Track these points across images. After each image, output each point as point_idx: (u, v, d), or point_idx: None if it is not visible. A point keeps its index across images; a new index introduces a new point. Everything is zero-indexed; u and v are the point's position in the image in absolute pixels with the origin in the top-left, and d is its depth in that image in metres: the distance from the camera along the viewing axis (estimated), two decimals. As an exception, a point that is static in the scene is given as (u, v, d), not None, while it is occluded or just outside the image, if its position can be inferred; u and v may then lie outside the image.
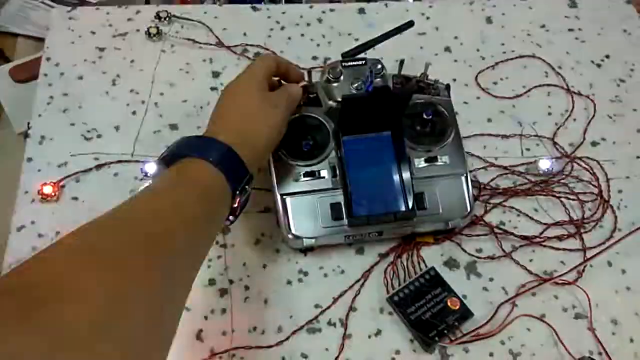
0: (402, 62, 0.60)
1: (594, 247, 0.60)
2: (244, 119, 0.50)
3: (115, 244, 0.35)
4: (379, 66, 0.59)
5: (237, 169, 0.46)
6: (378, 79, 0.59)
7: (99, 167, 0.62)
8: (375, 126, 0.57)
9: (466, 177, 0.57)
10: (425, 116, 0.58)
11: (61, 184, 0.60)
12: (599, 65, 0.74)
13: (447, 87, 0.62)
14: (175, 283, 0.38)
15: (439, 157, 0.57)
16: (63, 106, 0.66)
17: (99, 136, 0.64)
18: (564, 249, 0.59)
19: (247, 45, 0.72)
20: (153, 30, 0.71)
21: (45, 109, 0.66)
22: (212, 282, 0.56)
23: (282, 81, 0.59)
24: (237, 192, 0.46)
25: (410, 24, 0.65)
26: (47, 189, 0.59)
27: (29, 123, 0.65)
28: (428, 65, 0.61)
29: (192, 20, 0.73)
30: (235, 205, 0.46)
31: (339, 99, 0.57)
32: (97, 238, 0.36)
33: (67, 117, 0.65)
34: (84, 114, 0.66)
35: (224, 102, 0.51)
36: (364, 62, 0.60)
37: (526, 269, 0.58)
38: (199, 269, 0.42)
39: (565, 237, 0.60)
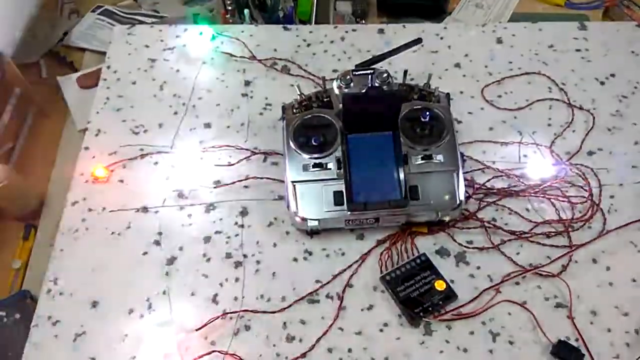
0: (405, 72, 0.68)
1: (581, 245, 0.64)
2: None
3: None
4: (385, 75, 0.67)
5: None
6: (384, 86, 0.67)
7: (142, 156, 0.72)
8: (377, 126, 0.64)
9: (458, 174, 0.63)
10: (422, 119, 0.65)
11: (110, 168, 0.71)
12: (602, 83, 0.79)
13: (447, 95, 0.69)
14: None
15: (434, 155, 0.64)
16: (117, 106, 0.77)
17: (145, 131, 0.75)
18: (551, 245, 0.64)
19: (276, 59, 0.82)
20: (196, 46, 0.83)
21: (103, 108, 0.77)
22: (229, 255, 0.64)
23: None
24: None
25: (418, 40, 0.73)
26: (99, 172, 0.70)
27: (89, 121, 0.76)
28: (430, 75, 0.69)
29: (231, 37, 0.84)
30: None
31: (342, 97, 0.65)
32: None
33: (120, 115, 0.77)
34: (134, 112, 0.77)
35: None
36: (372, 71, 0.68)
37: (512, 260, 0.63)
38: None
39: (553, 234, 0.65)
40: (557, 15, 0.96)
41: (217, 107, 0.77)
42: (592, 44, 0.83)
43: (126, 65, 0.82)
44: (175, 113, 0.77)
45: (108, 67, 0.82)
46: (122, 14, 1.00)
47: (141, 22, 0.95)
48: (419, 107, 0.66)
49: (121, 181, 0.71)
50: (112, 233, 0.66)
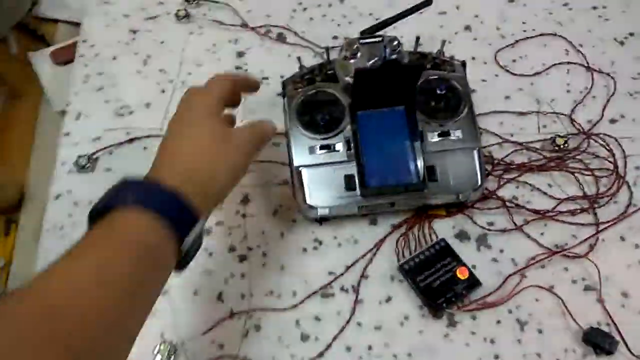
0: (418, 39, 0.62)
1: (607, 222, 0.60)
2: (195, 156, 0.42)
3: (11, 340, 0.30)
4: (395, 43, 0.61)
5: (182, 215, 0.39)
6: (394, 56, 0.61)
7: (130, 141, 0.66)
8: (389, 101, 0.59)
9: (478, 151, 0.58)
10: (438, 91, 0.59)
11: (95, 156, 0.65)
12: (622, 43, 0.74)
13: (463, 63, 0.63)
14: None
15: (452, 131, 0.59)
16: (98, 85, 0.70)
17: (130, 112, 0.68)
18: (577, 224, 0.60)
19: (270, 26, 0.75)
20: (182, 13, 0.75)
21: (82, 88, 0.70)
22: (232, 248, 0.59)
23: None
24: (185, 239, 0.39)
25: (428, 2, 0.67)
26: (83, 161, 0.64)
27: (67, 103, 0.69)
28: (444, 42, 0.63)
29: (219, 3, 0.76)
30: (185, 251, 0.40)
31: (353, 73, 0.59)
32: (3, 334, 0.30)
33: (101, 94, 0.70)
34: (117, 92, 0.70)
35: (171, 134, 0.44)
36: (380, 39, 0.62)
37: (537, 242, 0.59)
38: (137, 334, 0.37)
39: (578, 211, 0.61)
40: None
41: (208, 82, 0.71)
42: (609, 1, 0.77)
43: (104, 38, 0.74)
44: (163, 91, 0.70)
45: (84, 41, 0.74)
46: (95, -21, 0.91)
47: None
48: (435, 77, 0.61)
49: (109, 170, 0.65)
50: (103, 228, 0.61)
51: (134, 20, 0.76)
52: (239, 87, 0.50)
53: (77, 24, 0.84)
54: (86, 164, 0.64)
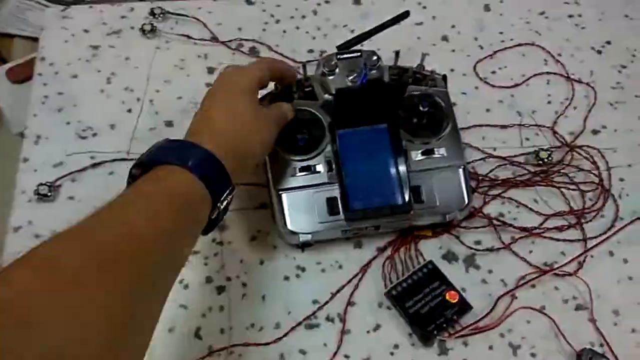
0: (397, 53, 0.60)
1: (595, 237, 0.59)
2: (236, 128, 0.45)
3: (83, 261, 0.33)
4: (375, 58, 0.58)
5: (221, 179, 0.42)
6: (374, 71, 0.58)
7: (95, 165, 0.62)
8: (371, 119, 0.56)
9: (464, 170, 0.56)
10: (421, 108, 0.57)
11: (57, 183, 0.60)
12: (599, 52, 0.73)
13: (444, 77, 0.61)
14: (145, 303, 0.35)
15: (436, 149, 0.57)
16: (58, 105, 0.66)
17: (94, 135, 0.64)
18: (565, 240, 0.59)
19: (242, 40, 0.71)
20: (147, 27, 0.71)
21: (41, 109, 0.65)
22: (209, 279, 0.56)
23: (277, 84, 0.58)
24: (217, 204, 0.42)
25: (405, 14, 0.65)
26: (43, 189, 0.59)
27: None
28: (424, 55, 0.60)
29: (186, 16, 0.73)
30: (214, 217, 0.43)
31: (335, 92, 0.56)
32: (64, 254, 0.33)
33: (62, 116, 0.65)
34: (79, 112, 0.65)
35: (214, 103, 0.47)
36: (359, 54, 0.59)
37: (526, 260, 0.57)
38: (174, 282, 0.39)
39: (565, 227, 0.59)
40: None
41: (178, 100, 0.67)
42: (584, 8, 0.77)
43: (64, 56, 0.69)
44: (129, 111, 0.66)
45: (43, 59, 0.69)
46: (53, -9, 0.86)
47: (76, 0, 0.81)
48: (416, 93, 0.58)
49: (71, 198, 0.60)
50: (68, 262, 0.56)
51: (96, 36, 0.71)
52: (276, 75, 0.53)
53: (35, 39, 0.79)
54: (47, 193, 0.59)
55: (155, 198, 0.39)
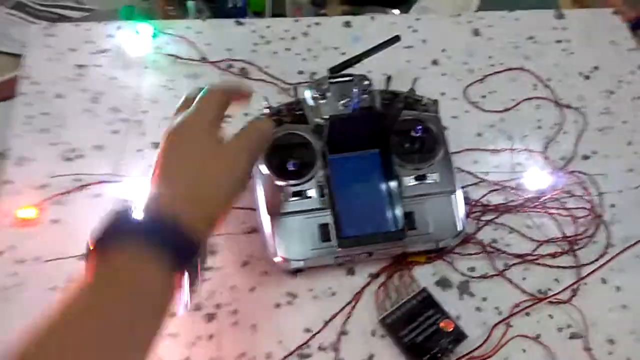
0: (389, 78, 0.60)
1: (588, 264, 0.59)
2: (195, 175, 0.41)
3: None
4: (366, 82, 0.58)
5: (183, 247, 0.38)
6: (365, 96, 0.58)
7: (80, 188, 0.60)
8: (363, 144, 0.55)
9: (456, 196, 0.56)
10: (413, 133, 0.57)
11: (41, 206, 0.58)
12: (587, 77, 0.74)
13: (435, 102, 0.61)
14: None
15: (428, 175, 0.56)
16: (42, 126, 0.64)
17: (80, 156, 0.62)
18: (558, 267, 0.58)
19: (231, 60, 0.71)
20: (134, 47, 0.70)
21: (24, 129, 0.64)
22: (198, 307, 0.54)
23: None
24: (187, 272, 0.39)
25: (396, 38, 0.65)
26: (27, 213, 0.57)
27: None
28: (415, 80, 0.60)
29: (175, 36, 0.72)
30: (184, 287, 0.39)
31: (326, 117, 0.56)
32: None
33: (46, 137, 0.63)
34: (64, 133, 0.64)
35: (167, 153, 0.43)
36: (350, 78, 0.59)
37: (520, 287, 0.57)
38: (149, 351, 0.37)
39: (558, 254, 0.59)
40: (527, -1, 0.91)
41: (166, 121, 0.64)
42: (571, 34, 0.78)
43: (49, 74, 0.68)
44: (116, 132, 0.64)
45: (26, 78, 0.67)
46: (38, 7, 0.84)
47: (62, 17, 0.80)
48: (409, 118, 0.58)
49: (56, 221, 0.58)
50: (52, 288, 0.54)
51: (82, 54, 0.70)
52: (231, 99, 0.46)
53: (18, 56, 0.77)
54: (31, 216, 0.57)
55: (103, 294, 0.36)
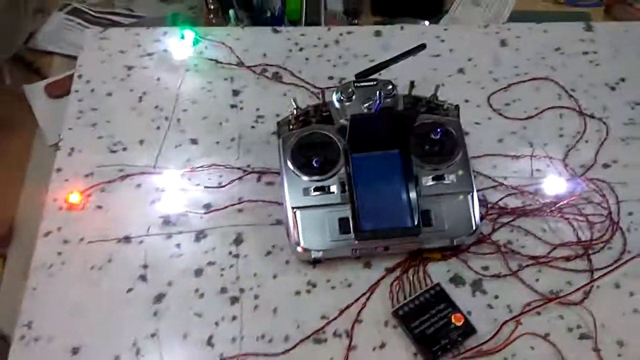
0: (412, 83, 0.62)
1: (602, 269, 0.60)
2: None
3: None
4: (390, 87, 0.61)
5: None
6: (388, 99, 0.61)
7: (122, 178, 0.66)
8: (384, 144, 0.59)
9: (472, 196, 0.58)
10: (433, 136, 0.60)
11: (87, 193, 0.64)
12: (613, 88, 0.75)
13: (457, 107, 0.64)
14: None
15: (446, 175, 0.59)
16: (92, 120, 0.70)
17: (124, 149, 0.68)
18: (571, 270, 0.60)
19: (266, 65, 0.75)
20: (178, 51, 0.75)
21: (76, 123, 0.70)
22: (224, 290, 0.58)
23: None
24: None
25: (422, 46, 0.68)
26: (74, 198, 0.63)
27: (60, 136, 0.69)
28: (438, 86, 0.63)
29: (215, 42, 0.77)
30: None
31: (349, 118, 0.59)
32: None
33: (95, 130, 0.69)
34: (111, 128, 0.70)
35: None
36: (375, 83, 0.62)
37: (532, 288, 0.59)
38: None
39: (572, 257, 0.61)
40: (558, 13, 0.92)
41: (204, 120, 0.71)
42: (599, 46, 0.79)
43: (100, 74, 0.74)
44: (158, 128, 0.70)
45: (80, 77, 0.74)
46: (93, 13, 0.91)
47: (114, 23, 0.87)
48: (429, 121, 0.61)
49: (100, 207, 0.64)
50: (92, 267, 0.60)
51: (131, 57, 0.76)
52: None
53: (74, 57, 0.84)
54: (77, 201, 0.63)
55: None
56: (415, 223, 0.56)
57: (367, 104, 0.61)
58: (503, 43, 0.79)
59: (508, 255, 0.60)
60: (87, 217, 0.63)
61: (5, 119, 0.79)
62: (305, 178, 0.59)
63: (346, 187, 0.58)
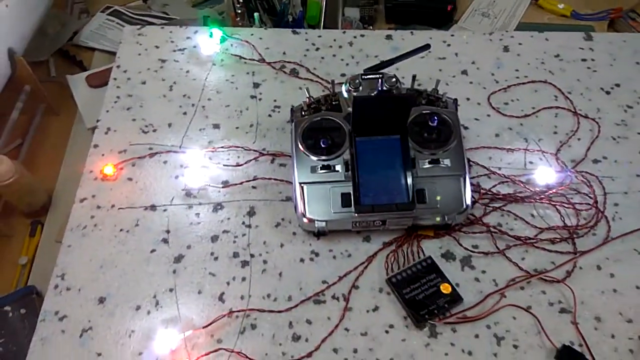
0: (414, 77, 0.69)
1: (585, 252, 0.64)
2: None
3: None
4: (394, 79, 0.68)
5: None
6: (392, 91, 0.67)
7: (152, 155, 0.73)
8: (385, 129, 0.65)
9: (464, 179, 0.64)
10: (431, 123, 0.66)
11: (120, 166, 0.72)
12: (608, 92, 0.80)
13: (455, 101, 0.69)
14: None
15: (441, 160, 0.65)
16: (127, 105, 0.78)
17: (154, 130, 0.76)
18: (556, 251, 0.65)
19: (285, 62, 0.83)
20: (206, 47, 0.83)
21: (113, 107, 0.78)
22: (236, 254, 0.65)
23: None
24: None
25: (427, 46, 0.74)
26: (108, 169, 0.71)
27: (98, 120, 0.77)
28: (439, 81, 0.69)
29: (240, 40, 0.85)
30: None
31: (353, 100, 0.65)
32: None
33: (129, 114, 0.77)
34: (143, 112, 0.78)
35: None
36: (381, 75, 0.69)
37: (517, 265, 0.64)
38: None
39: (558, 240, 0.65)
40: (563, 25, 0.97)
41: (226, 108, 0.78)
42: (597, 54, 0.84)
43: (136, 65, 0.83)
44: (185, 113, 0.77)
45: (118, 67, 0.82)
46: (131, 15, 1.00)
47: (150, 24, 0.95)
48: (427, 111, 0.67)
49: (130, 179, 0.71)
50: (121, 230, 0.67)
51: (164, 51, 0.84)
52: None
53: (113, 53, 0.93)
54: (111, 173, 0.70)
55: None
56: (410, 199, 0.62)
57: (372, 94, 0.67)
58: (506, 49, 0.85)
59: (497, 235, 0.66)
60: (119, 187, 0.70)
61: (49, 104, 0.87)
62: (313, 158, 0.65)
63: (349, 167, 0.64)
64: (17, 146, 0.84)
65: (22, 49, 0.85)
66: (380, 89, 0.65)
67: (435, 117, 0.66)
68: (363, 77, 0.69)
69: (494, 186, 0.70)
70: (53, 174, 0.80)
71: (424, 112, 0.67)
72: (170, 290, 0.62)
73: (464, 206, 0.63)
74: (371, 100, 0.63)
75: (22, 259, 0.75)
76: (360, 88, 0.68)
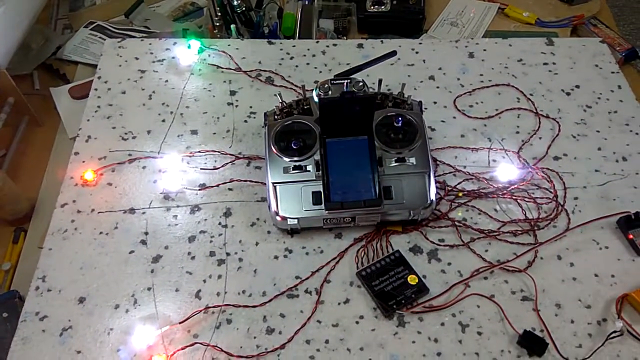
0: (380, 81, 0.72)
1: (545, 242, 0.67)
2: None
3: None
4: (360, 84, 0.71)
5: None
6: (360, 94, 0.71)
7: (131, 160, 0.76)
8: (353, 131, 0.68)
9: (429, 175, 0.67)
10: (396, 124, 0.69)
11: (100, 172, 0.74)
12: (568, 94, 0.84)
13: (420, 103, 0.73)
14: None
15: (407, 158, 0.68)
16: (107, 114, 0.81)
17: (133, 137, 0.78)
18: (518, 243, 0.68)
19: (260, 70, 0.86)
20: (185, 58, 0.87)
21: (93, 116, 0.81)
22: (212, 253, 0.67)
23: None
24: None
25: (393, 53, 0.78)
26: (88, 175, 0.73)
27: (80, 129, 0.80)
28: (404, 85, 0.73)
29: (218, 50, 0.88)
30: None
31: (319, 102, 0.69)
32: None
33: (109, 122, 0.80)
34: (123, 120, 0.80)
35: None
36: (349, 80, 0.72)
37: (481, 257, 0.67)
38: None
39: (519, 232, 0.69)
40: (528, 32, 1.02)
41: (203, 115, 0.81)
42: (559, 58, 0.89)
43: (116, 76, 0.86)
44: (163, 120, 0.80)
45: (99, 78, 0.85)
46: (114, 30, 1.04)
47: (131, 38, 0.99)
48: (393, 113, 0.71)
49: (110, 184, 0.74)
50: (100, 233, 0.69)
51: (144, 62, 0.87)
52: None
53: (96, 66, 0.95)
54: (91, 179, 0.73)
55: None
56: (377, 196, 0.65)
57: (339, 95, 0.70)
58: (471, 55, 0.89)
59: (462, 229, 0.69)
60: (99, 192, 0.73)
61: (33, 116, 0.90)
62: (285, 159, 0.68)
63: (320, 167, 0.67)
64: (1, 156, 0.86)
65: (6, 63, 0.88)
66: (345, 90, 0.68)
67: (400, 118, 0.69)
68: (332, 82, 0.72)
69: (459, 183, 0.73)
70: (36, 182, 0.82)
71: (389, 114, 0.71)
72: (149, 289, 0.65)
73: (429, 201, 0.66)
74: (336, 101, 0.67)
75: (5, 264, 0.76)
76: (330, 92, 0.71)
